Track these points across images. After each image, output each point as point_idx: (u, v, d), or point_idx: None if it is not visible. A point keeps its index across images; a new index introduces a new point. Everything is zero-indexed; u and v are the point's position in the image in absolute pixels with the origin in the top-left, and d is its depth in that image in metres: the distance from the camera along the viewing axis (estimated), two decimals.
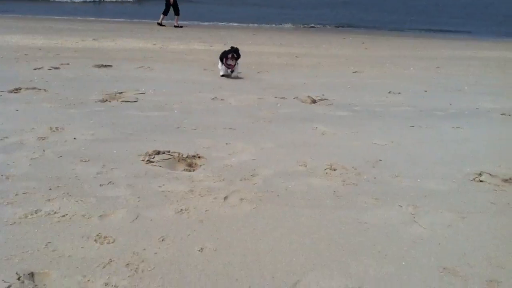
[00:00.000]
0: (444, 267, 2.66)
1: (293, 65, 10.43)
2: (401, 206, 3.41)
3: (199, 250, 2.70)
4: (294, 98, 6.93)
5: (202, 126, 5.12)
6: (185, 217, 3.08)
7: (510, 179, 4.03)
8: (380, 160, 4.38)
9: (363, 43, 16.28)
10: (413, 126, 5.74)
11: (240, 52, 8.31)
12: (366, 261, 2.69)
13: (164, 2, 18.04)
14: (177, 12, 18.15)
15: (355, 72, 10.03)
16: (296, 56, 11.94)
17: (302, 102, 6.76)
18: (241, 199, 3.37)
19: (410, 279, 2.52)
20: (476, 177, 4.07)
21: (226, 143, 4.57)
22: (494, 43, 19.63)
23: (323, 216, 3.21)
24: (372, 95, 7.57)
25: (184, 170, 3.95)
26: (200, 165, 4.02)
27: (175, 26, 18.15)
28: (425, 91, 8.28)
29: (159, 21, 18.12)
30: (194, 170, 3.95)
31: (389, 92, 7.87)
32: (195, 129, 5.00)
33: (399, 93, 7.86)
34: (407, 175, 4.03)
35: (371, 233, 3.01)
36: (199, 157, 4.17)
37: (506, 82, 9.80)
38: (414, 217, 3.25)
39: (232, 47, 8.34)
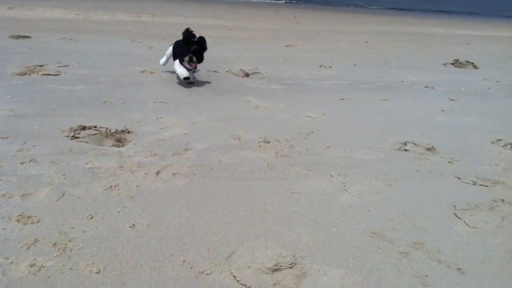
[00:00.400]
0: (373, 232, 2.77)
1: (225, 38, 10.29)
2: (332, 176, 3.50)
3: (130, 227, 2.61)
4: (226, 71, 6.84)
5: (131, 100, 4.92)
6: (115, 193, 2.96)
7: (432, 148, 4.27)
8: (312, 132, 4.45)
9: (295, 17, 16.41)
10: (343, 99, 5.89)
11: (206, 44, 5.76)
12: (300, 229, 2.74)
13: None
14: None
15: (287, 46, 10.09)
16: (229, 29, 11.79)
17: (235, 75, 6.70)
18: (174, 174, 3.30)
19: (341, 244, 2.60)
20: (402, 147, 4.26)
21: (157, 117, 4.43)
22: (420, 19, 20.55)
23: (257, 188, 3.21)
24: (304, 69, 7.66)
25: (113, 145, 3.78)
26: (130, 140, 3.87)
27: None
28: (355, 65, 8.51)
29: None
30: (123, 145, 3.79)
31: (320, 66, 8.01)
32: (123, 103, 4.80)
33: (330, 66, 8.02)
34: (337, 146, 4.14)
35: (303, 203, 3.06)
36: (128, 132, 4.00)
37: (429, 56, 10.32)
38: (344, 186, 3.35)
39: (188, 32, 5.62)
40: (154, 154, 3.59)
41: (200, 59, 5.68)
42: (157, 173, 3.28)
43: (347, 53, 9.81)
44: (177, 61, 5.71)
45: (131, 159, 3.47)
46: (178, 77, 5.86)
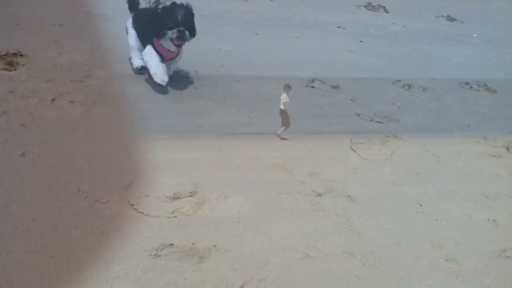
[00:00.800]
0: (274, 163, 2.85)
1: None
2: (240, 109, 3.51)
3: (20, 155, 2.45)
4: None
5: (26, 21, 4.45)
6: (4, 120, 2.73)
7: (337, 86, 4.41)
8: (223, 65, 4.38)
9: None
10: (257, 34, 5.82)
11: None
12: (202, 160, 2.75)
13: None
14: None
15: None
16: None
17: (143, 1, 6.30)
18: (72, 102, 3.10)
19: (241, 174, 2.66)
20: (309, 84, 4.35)
21: (55, 41, 4.08)
22: None
23: (163, 120, 3.15)
24: (220, 1, 7.41)
25: (3, 69, 3.44)
26: (23, 64, 3.54)
27: None
28: (271, 0, 8.38)
29: None
30: (15, 69, 3.46)
31: None
32: (17, 24, 4.33)
33: (247, 0, 7.83)
34: (247, 80, 4.13)
35: (209, 135, 3.06)
36: (21, 55, 3.65)
37: None
38: (251, 120, 3.39)
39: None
40: (50, 80, 3.33)
41: (193, 32, 3.70)
42: (53, 100, 3.07)
43: None
44: (148, 48, 3.65)
45: (24, 85, 3.19)
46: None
